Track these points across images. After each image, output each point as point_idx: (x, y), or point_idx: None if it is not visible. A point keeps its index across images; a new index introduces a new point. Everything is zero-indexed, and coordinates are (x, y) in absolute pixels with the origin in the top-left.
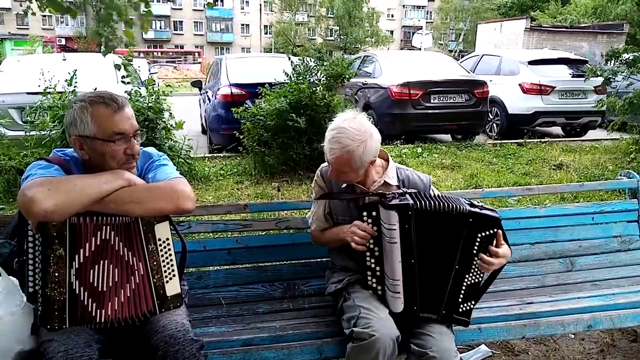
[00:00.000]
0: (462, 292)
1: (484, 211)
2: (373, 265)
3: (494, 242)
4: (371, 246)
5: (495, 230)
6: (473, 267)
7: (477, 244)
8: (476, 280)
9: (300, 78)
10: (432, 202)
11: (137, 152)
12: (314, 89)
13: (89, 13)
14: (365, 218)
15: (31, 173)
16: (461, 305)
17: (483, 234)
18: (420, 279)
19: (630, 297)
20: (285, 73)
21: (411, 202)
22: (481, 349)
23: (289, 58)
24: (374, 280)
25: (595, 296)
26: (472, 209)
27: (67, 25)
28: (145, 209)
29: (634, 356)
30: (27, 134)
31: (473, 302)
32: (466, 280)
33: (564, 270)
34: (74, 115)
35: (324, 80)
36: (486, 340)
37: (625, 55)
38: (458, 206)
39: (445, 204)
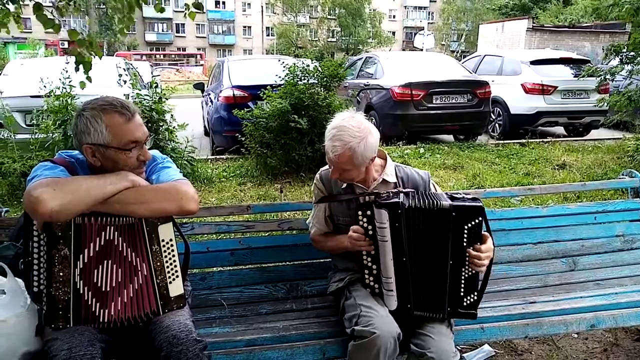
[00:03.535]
0: (462, 286)
1: (465, 203)
2: (370, 264)
3: (482, 231)
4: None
5: (480, 219)
6: (467, 259)
7: (465, 236)
8: (474, 272)
9: (297, 79)
10: (423, 200)
11: (149, 157)
12: (312, 90)
13: (92, 16)
14: (360, 217)
15: (37, 174)
16: (464, 299)
17: (469, 224)
18: (413, 277)
19: (633, 297)
20: (279, 76)
21: (401, 200)
22: (484, 348)
23: (279, 60)
24: (371, 278)
25: (598, 295)
26: (453, 203)
27: (70, 28)
28: (150, 210)
29: (637, 355)
30: (33, 137)
31: (476, 294)
32: (463, 273)
33: (566, 270)
34: (86, 123)
35: (319, 80)
36: (489, 340)
37: (626, 52)
38: (440, 202)
39: (430, 200)
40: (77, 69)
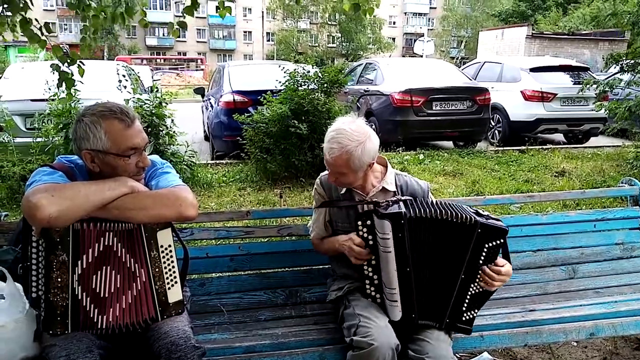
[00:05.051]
0: (467, 301)
1: (491, 222)
2: (371, 274)
3: (499, 253)
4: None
5: (502, 240)
6: (478, 277)
7: (483, 254)
8: (480, 290)
9: (297, 84)
10: (428, 210)
11: (148, 164)
12: (312, 95)
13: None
14: (360, 227)
15: (36, 179)
16: (464, 314)
17: (490, 244)
18: (417, 286)
19: (633, 305)
20: (279, 81)
21: (404, 210)
22: (483, 356)
23: (280, 66)
24: (372, 288)
25: (597, 304)
26: (480, 219)
27: (71, 32)
28: (148, 216)
29: None
30: (33, 140)
31: (476, 311)
32: (471, 289)
33: (566, 278)
34: (85, 129)
35: (320, 86)
36: (488, 348)
37: (626, 60)
38: (464, 215)
39: (443, 211)
40: (59, 85)
